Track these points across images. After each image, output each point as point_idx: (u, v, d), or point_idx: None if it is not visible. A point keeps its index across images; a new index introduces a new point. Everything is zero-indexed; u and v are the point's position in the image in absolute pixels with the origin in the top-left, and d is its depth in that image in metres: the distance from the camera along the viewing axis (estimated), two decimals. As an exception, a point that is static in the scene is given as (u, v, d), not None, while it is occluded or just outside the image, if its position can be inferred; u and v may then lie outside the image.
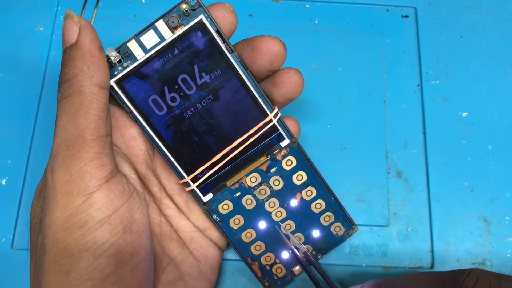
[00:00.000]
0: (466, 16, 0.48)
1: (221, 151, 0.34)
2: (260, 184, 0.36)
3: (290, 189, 0.36)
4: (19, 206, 0.41)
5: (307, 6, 0.48)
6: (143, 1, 0.47)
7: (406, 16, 0.48)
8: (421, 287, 0.30)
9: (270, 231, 0.37)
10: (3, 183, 0.42)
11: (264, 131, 0.34)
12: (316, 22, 0.47)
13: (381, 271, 0.40)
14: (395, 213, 0.42)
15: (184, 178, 0.35)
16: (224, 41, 0.32)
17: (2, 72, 0.45)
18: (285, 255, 0.37)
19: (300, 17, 0.48)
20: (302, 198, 0.37)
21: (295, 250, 0.36)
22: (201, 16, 0.31)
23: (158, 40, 0.32)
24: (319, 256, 0.38)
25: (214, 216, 0.36)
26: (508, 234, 0.41)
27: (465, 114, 0.45)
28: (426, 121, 0.44)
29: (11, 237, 0.41)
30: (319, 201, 0.37)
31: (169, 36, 0.32)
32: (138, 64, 0.32)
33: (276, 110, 0.34)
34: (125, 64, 0.32)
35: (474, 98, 0.45)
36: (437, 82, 0.45)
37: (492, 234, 0.41)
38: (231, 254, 0.41)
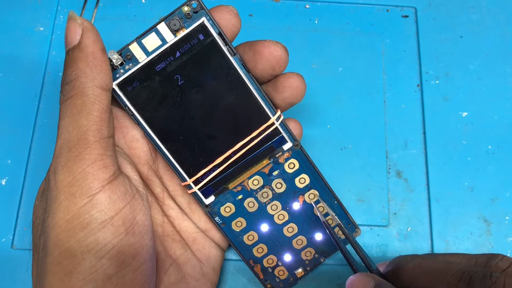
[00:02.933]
0: (466, 16, 0.48)
1: (223, 154, 0.34)
2: (262, 187, 0.36)
3: (293, 192, 0.36)
4: (19, 206, 0.41)
5: (307, 6, 0.48)
6: (143, 1, 0.47)
7: (406, 16, 0.48)
8: (453, 265, 0.30)
9: (272, 234, 0.37)
10: (3, 183, 0.42)
11: (267, 134, 0.34)
12: (316, 22, 0.47)
13: (381, 271, 0.40)
14: (395, 213, 0.42)
15: (186, 180, 0.35)
16: (226, 44, 0.32)
17: (2, 72, 0.45)
18: (287, 257, 0.38)
19: (300, 17, 0.48)
20: (304, 201, 0.37)
21: (330, 227, 0.36)
22: (203, 19, 0.31)
23: (160, 42, 0.31)
24: (321, 259, 0.38)
25: (216, 218, 0.36)
26: (508, 234, 0.41)
27: (465, 114, 0.45)
28: (426, 121, 0.44)
29: (11, 237, 0.41)
30: (321, 204, 0.37)
31: (171, 38, 0.31)
32: (140, 67, 0.32)
33: (278, 113, 0.34)
34: (127, 67, 0.32)
35: (474, 98, 0.45)
36: (437, 82, 0.45)
37: (492, 234, 0.41)
38: (231, 254, 0.41)
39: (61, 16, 0.47)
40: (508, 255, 0.40)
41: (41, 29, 0.46)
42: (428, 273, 0.31)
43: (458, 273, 0.29)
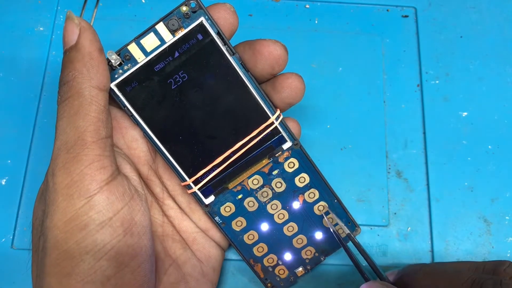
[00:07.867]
0: (466, 16, 0.48)
1: (222, 154, 0.34)
2: (262, 187, 0.36)
3: (293, 191, 0.36)
4: (19, 206, 0.41)
5: (307, 6, 0.48)
6: (143, 1, 0.47)
7: (406, 16, 0.48)
8: (463, 273, 0.30)
9: (272, 233, 0.37)
10: (3, 183, 0.42)
11: (266, 133, 0.34)
12: (316, 22, 0.47)
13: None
14: (395, 213, 0.42)
15: (186, 180, 0.35)
16: (225, 43, 0.32)
17: (2, 72, 0.45)
18: (287, 256, 0.38)
19: (300, 17, 0.47)
20: (304, 200, 0.37)
21: (341, 237, 0.36)
22: (202, 19, 0.31)
23: (158, 43, 0.31)
24: (322, 258, 0.38)
25: (216, 218, 0.36)
26: (508, 234, 0.41)
27: (465, 114, 0.45)
28: (426, 121, 0.44)
29: (11, 237, 0.41)
30: (321, 203, 0.37)
31: (169, 38, 0.31)
32: (139, 67, 0.32)
33: (278, 112, 0.34)
34: (125, 67, 0.32)
35: (474, 98, 0.45)
36: (437, 82, 0.45)
37: (492, 234, 0.41)
38: (232, 254, 0.41)
39: (61, 16, 0.47)
40: (508, 255, 0.40)
41: (41, 29, 0.46)
42: (438, 282, 0.31)
43: (468, 281, 0.29)
